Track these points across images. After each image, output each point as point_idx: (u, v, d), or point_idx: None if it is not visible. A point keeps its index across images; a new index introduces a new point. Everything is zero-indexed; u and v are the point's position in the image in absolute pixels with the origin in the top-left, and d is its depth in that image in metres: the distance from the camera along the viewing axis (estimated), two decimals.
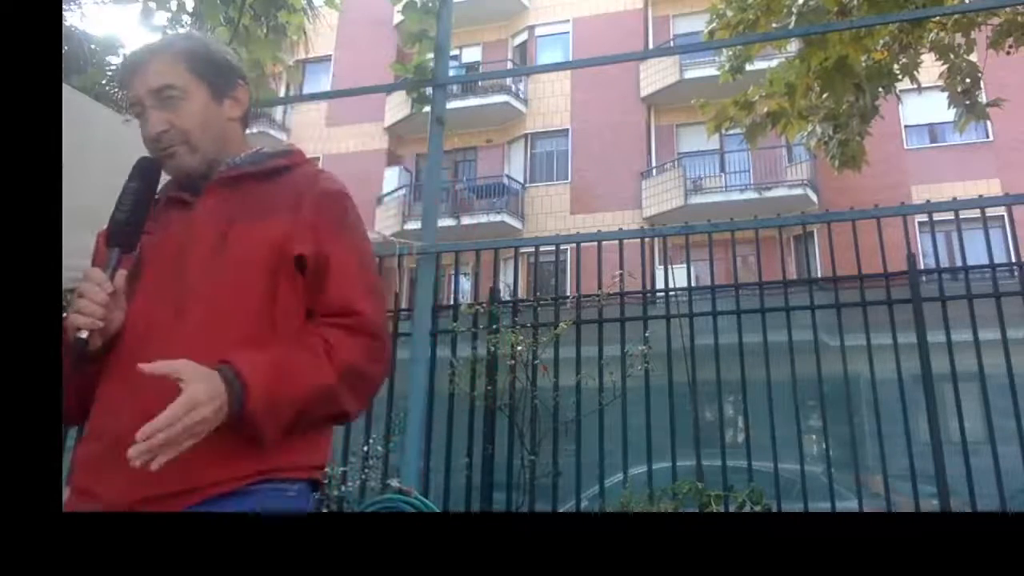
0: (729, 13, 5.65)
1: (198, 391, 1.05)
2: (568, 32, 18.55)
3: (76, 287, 1.16)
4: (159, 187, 1.33)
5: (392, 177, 18.11)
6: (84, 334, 1.14)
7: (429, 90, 4.43)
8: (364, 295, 1.25)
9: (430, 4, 4.43)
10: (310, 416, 1.18)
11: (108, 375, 1.21)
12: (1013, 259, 4.38)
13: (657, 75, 16.75)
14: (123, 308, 1.21)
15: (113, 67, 5.88)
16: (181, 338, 1.17)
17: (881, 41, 5.62)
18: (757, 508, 3.53)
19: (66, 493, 1.19)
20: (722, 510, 3.58)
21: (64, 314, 1.18)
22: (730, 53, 5.87)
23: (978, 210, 4.00)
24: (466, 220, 16.42)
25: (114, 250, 1.21)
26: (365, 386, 1.24)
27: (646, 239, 6.12)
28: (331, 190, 1.31)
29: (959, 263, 4.12)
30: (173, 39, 1.37)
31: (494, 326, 4.22)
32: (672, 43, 16.37)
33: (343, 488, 3.94)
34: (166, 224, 1.28)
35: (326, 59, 18.96)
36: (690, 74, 15.79)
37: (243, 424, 1.10)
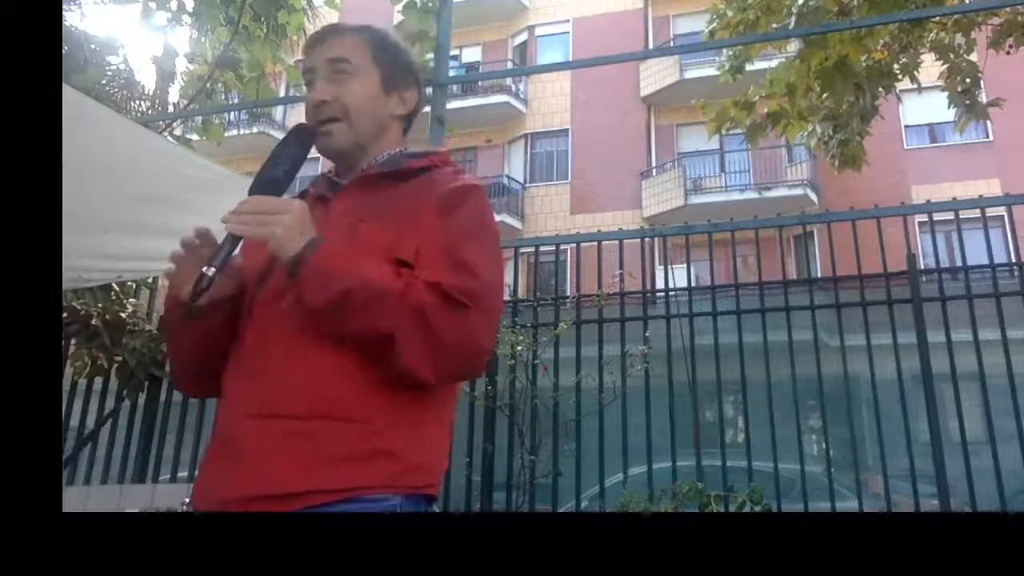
0: (729, 13, 5.65)
1: (298, 204, 1.14)
2: (568, 32, 18.54)
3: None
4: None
5: None
6: (210, 272, 1.12)
7: (429, 90, 4.43)
8: (446, 269, 1.13)
9: (430, 4, 4.43)
10: (354, 305, 1.09)
11: (230, 371, 1.21)
12: (1013, 259, 4.37)
13: (657, 75, 16.75)
14: (237, 277, 1.22)
15: (113, 67, 5.89)
16: (294, 338, 1.15)
17: (881, 41, 5.62)
18: (757, 508, 3.53)
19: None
20: (722, 510, 3.58)
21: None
22: (730, 53, 5.87)
23: (978, 210, 4.00)
24: None
25: None
26: (432, 339, 1.09)
27: (646, 239, 6.11)
28: (456, 187, 1.24)
29: (959, 263, 4.12)
30: (369, 25, 1.37)
31: None
32: (672, 43, 16.36)
33: None
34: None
35: None
36: (690, 74, 15.79)
37: (299, 276, 1.10)
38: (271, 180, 1.21)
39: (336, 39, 1.32)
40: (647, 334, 4.16)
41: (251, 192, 1.20)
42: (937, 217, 4.37)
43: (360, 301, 1.09)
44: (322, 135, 1.28)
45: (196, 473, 1.26)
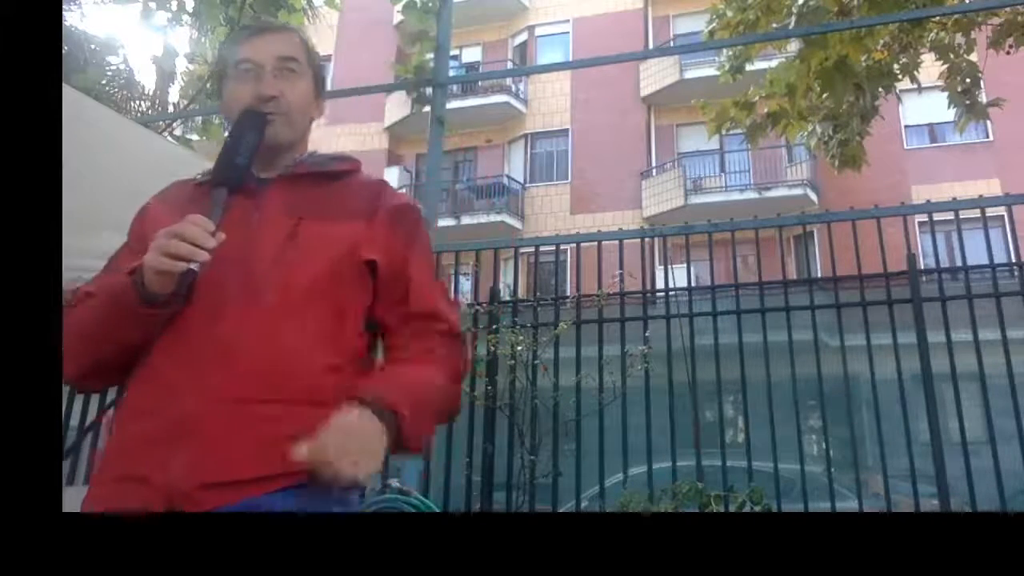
0: (729, 13, 5.65)
1: (376, 438, 1.10)
2: (568, 32, 18.55)
3: (172, 229, 1.11)
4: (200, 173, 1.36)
5: (392, 177, 18.10)
6: (195, 266, 1.10)
7: (429, 90, 4.43)
8: (446, 302, 1.35)
9: (430, 4, 4.43)
10: (438, 418, 1.31)
11: (165, 352, 1.17)
12: (1013, 259, 4.37)
13: (657, 75, 16.75)
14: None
15: (113, 67, 5.89)
16: (253, 323, 1.17)
17: (881, 41, 5.62)
18: (757, 508, 3.52)
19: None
20: (722, 510, 3.58)
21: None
22: (730, 53, 5.88)
23: (978, 210, 4.00)
24: (466, 220, 16.43)
25: (222, 191, 1.22)
26: (460, 381, 1.34)
27: (646, 239, 6.11)
28: (405, 204, 1.38)
29: (959, 263, 4.12)
30: (297, 27, 1.44)
31: (494, 326, 4.22)
32: (672, 43, 16.36)
33: None
34: (225, 209, 1.23)
35: (326, 59, 18.95)
36: (690, 74, 15.80)
37: (395, 446, 1.15)
38: (234, 167, 1.24)
39: (283, 36, 1.36)
40: (647, 334, 4.15)
41: (216, 178, 1.23)
42: (937, 217, 4.37)
43: (440, 410, 1.30)
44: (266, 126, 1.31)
45: (109, 465, 1.16)
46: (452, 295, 1.38)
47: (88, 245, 2.98)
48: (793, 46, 5.81)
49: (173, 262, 1.10)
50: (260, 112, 1.28)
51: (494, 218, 16.58)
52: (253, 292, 1.19)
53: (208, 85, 5.01)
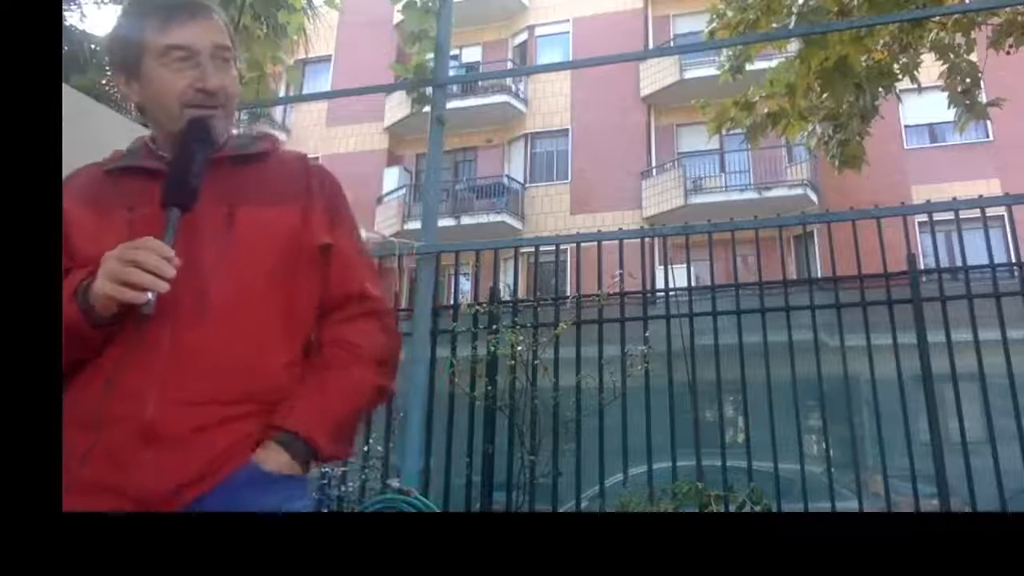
0: (729, 13, 5.66)
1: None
2: (568, 32, 18.54)
3: (127, 256, 1.07)
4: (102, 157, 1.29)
5: (392, 177, 18.12)
6: (152, 295, 1.06)
7: (429, 90, 4.44)
8: (372, 278, 1.32)
9: (430, 4, 4.43)
10: (361, 417, 1.31)
11: (120, 360, 1.13)
12: (1013, 259, 4.37)
13: (657, 75, 16.74)
14: None
15: None
16: (208, 324, 1.14)
17: (881, 41, 5.62)
18: (757, 508, 3.53)
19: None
20: (722, 510, 3.58)
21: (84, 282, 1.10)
22: (730, 53, 5.88)
23: (978, 210, 4.00)
24: (466, 220, 16.43)
25: (175, 212, 1.14)
26: (393, 360, 1.31)
27: (646, 239, 6.11)
28: (332, 178, 1.34)
29: (959, 263, 4.12)
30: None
31: (494, 326, 4.22)
32: (672, 43, 16.36)
33: (343, 488, 3.95)
34: (150, 198, 1.18)
35: (326, 59, 18.94)
36: (690, 74, 15.79)
37: (310, 465, 1.19)
38: (189, 188, 1.17)
39: (216, 23, 1.26)
40: (647, 334, 4.15)
41: (169, 199, 1.15)
42: (937, 217, 4.37)
43: (367, 409, 1.33)
44: (206, 120, 1.24)
45: (80, 472, 1.09)
46: (376, 270, 1.45)
47: None
48: (793, 46, 5.81)
49: (135, 293, 1.06)
50: (208, 123, 1.22)
51: (494, 218, 16.57)
52: (202, 290, 1.15)
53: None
